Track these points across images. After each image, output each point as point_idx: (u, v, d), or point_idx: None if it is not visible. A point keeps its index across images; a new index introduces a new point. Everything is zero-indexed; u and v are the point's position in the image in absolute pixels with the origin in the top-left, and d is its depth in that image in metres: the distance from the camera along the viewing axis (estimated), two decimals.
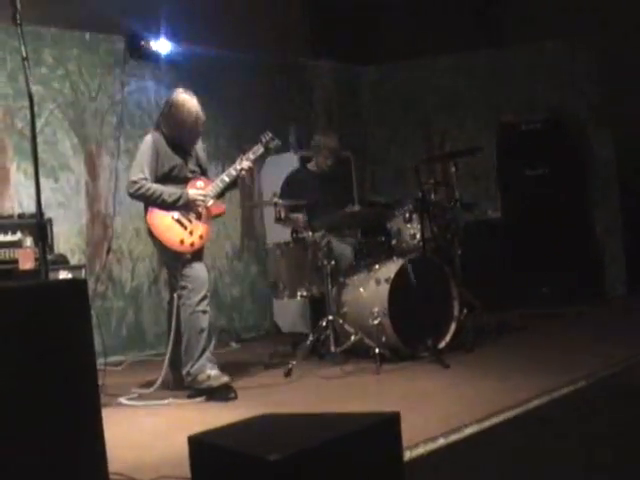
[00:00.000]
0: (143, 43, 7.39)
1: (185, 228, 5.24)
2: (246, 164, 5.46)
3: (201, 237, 5.30)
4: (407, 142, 9.18)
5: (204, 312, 5.19)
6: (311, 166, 6.95)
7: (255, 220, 8.38)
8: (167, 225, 5.23)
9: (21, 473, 2.36)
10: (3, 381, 2.32)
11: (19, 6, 3.35)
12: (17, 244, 5.74)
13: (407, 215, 6.20)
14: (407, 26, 9.15)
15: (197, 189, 5.36)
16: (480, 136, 8.67)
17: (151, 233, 5.30)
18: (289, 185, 6.78)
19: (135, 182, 5.20)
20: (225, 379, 5.04)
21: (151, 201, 5.23)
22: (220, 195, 5.51)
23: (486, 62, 9.03)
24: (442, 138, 9.11)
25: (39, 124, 6.35)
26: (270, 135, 5.64)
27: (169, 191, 5.23)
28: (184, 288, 5.19)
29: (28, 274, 5.57)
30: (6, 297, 2.43)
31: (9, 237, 5.73)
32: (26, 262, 5.67)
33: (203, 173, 5.55)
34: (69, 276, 5.90)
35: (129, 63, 7.41)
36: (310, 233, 6.01)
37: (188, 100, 5.34)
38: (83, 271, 6.23)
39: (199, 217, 5.31)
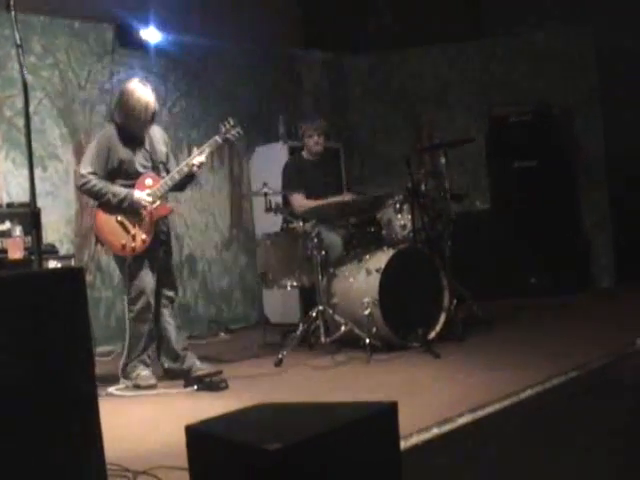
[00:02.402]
0: (132, 32, 7.35)
1: (128, 232, 5.22)
2: (198, 160, 5.34)
3: (143, 241, 5.25)
4: (396, 133, 9.16)
5: (144, 321, 5.28)
6: (304, 154, 6.95)
7: (244, 211, 8.36)
8: (111, 228, 5.22)
9: (17, 465, 2.35)
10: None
11: None
12: (6, 234, 5.71)
13: (398, 206, 6.21)
14: (397, 16, 9.14)
15: (145, 187, 5.29)
16: (469, 127, 8.69)
17: (95, 234, 5.33)
18: (289, 173, 6.80)
19: (83, 176, 5.20)
20: (152, 381, 5.18)
21: (96, 198, 5.25)
22: (175, 190, 5.50)
23: (476, 53, 9.03)
24: (430, 129, 9.11)
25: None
26: (231, 122, 5.47)
27: (114, 190, 5.19)
28: (127, 294, 5.31)
29: (17, 263, 5.55)
30: (2, 286, 2.41)
31: None
32: (15, 251, 5.64)
33: (155, 167, 5.43)
34: (58, 266, 5.88)
35: (118, 52, 7.38)
36: (300, 223, 6.00)
37: (139, 88, 5.29)
38: (72, 261, 6.21)
39: (142, 220, 5.26)
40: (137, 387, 5.15)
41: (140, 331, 5.28)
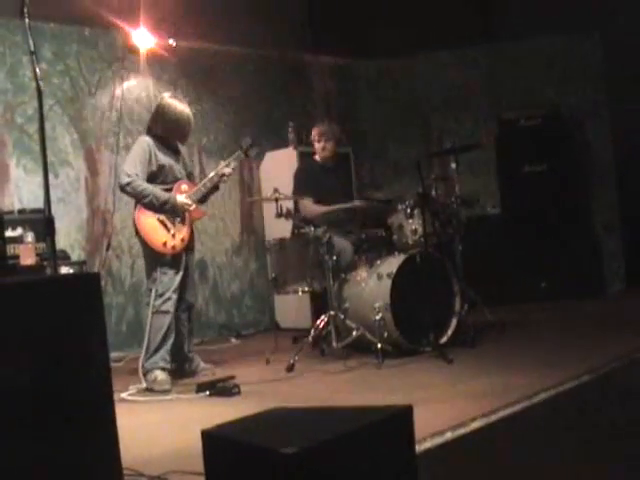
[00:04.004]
0: (142, 38, 7.36)
1: (168, 230, 5.49)
2: (227, 170, 5.73)
3: (182, 240, 5.56)
4: (405, 138, 9.16)
5: (165, 312, 5.45)
6: (317, 157, 6.94)
7: (254, 216, 8.37)
8: (153, 226, 5.46)
9: (35, 469, 2.36)
10: (17, 375, 2.32)
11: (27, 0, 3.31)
12: (18, 240, 5.73)
13: (409, 210, 6.19)
14: (406, 21, 9.13)
15: (182, 192, 5.59)
16: (479, 132, 8.68)
17: (137, 232, 5.52)
18: (300, 177, 6.81)
19: (129, 175, 5.42)
20: (167, 387, 5.25)
21: (139, 198, 5.45)
22: (202, 200, 5.76)
23: (485, 57, 9.02)
24: (440, 134, 9.10)
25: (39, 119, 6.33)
26: (249, 142, 5.90)
27: (157, 193, 5.45)
28: (151, 290, 5.46)
29: (29, 269, 5.56)
30: (20, 291, 2.42)
31: (10, 233, 5.72)
32: (27, 257, 5.66)
33: (188, 176, 5.80)
34: (70, 272, 5.90)
35: (128, 59, 7.40)
36: (312, 228, 6.00)
37: (178, 103, 5.67)
38: (84, 267, 6.24)
39: (182, 221, 5.57)
40: (151, 390, 5.20)
41: (160, 324, 5.42)
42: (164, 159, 5.57)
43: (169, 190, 5.55)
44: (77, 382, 2.45)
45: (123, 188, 5.46)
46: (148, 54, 7.47)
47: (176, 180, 5.61)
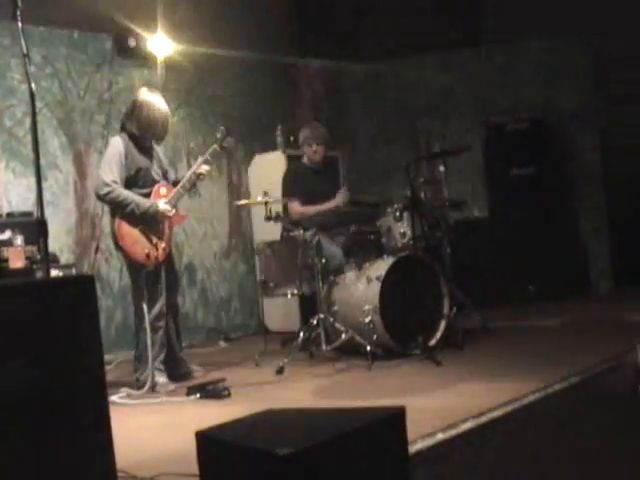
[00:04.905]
0: (131, 42, 7.36)
1: (151, 241, 5.35)
2: (204, 168, 5.55)
3: (164, 250, 5.44)
4: (393, 142, 9.18)
5: (157, 329, 5.38)
6: (305, 161, 6.96)
7: (242, 219, 8.38)
8: (135, 238, 5.32)
9: (31, 471, 2.36)
10: (13, 376, 2.32)
11: (20, 3, 3.31)
12: (7, 243, 5.72)
13: (397, 214, 6.21)
14: (394, 25, 9.15)
15: (160, 196, 5.43)
16: (467, 136, 8.71)
17: (118, 244, 5.38)
18: (287, 180, 6.82)
19: (107, 184, 5.24)
20: (171, 387, 5.29)
21: (120, 207, 5.29)
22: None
23: (474, 61, 9.05)
24: (428, 137, 9.13)
25: (28, 123, 6.32)
26: (224, 132, 5.69)
27: (138, 201, 5.29)
28: (142, 302, 5.32)
29: (18, 272, 5.56)
30: (14, 294, 2.42)
31: None
32: (16, 261, 5.66)
33: (164, 175, 5.63)
34: (59, 275, 5.89)
35: (117, 62, 7.40)
36: (301, 231, 6.01)
37: (157, 98, 5.49)
38: (73, 270, 6.23)
39: (163, 230, 5.42)
40: (157, 392, 5.19)
41: (152, 338, 5.33)
42: (141, 161, 5.41)
43: (148, 195, 5.40)
44: (72, 384, 2.46)
45: (102, 198, 5.32)
46: (137, 57, 7.45)
47: (154, 182, 5.46)
